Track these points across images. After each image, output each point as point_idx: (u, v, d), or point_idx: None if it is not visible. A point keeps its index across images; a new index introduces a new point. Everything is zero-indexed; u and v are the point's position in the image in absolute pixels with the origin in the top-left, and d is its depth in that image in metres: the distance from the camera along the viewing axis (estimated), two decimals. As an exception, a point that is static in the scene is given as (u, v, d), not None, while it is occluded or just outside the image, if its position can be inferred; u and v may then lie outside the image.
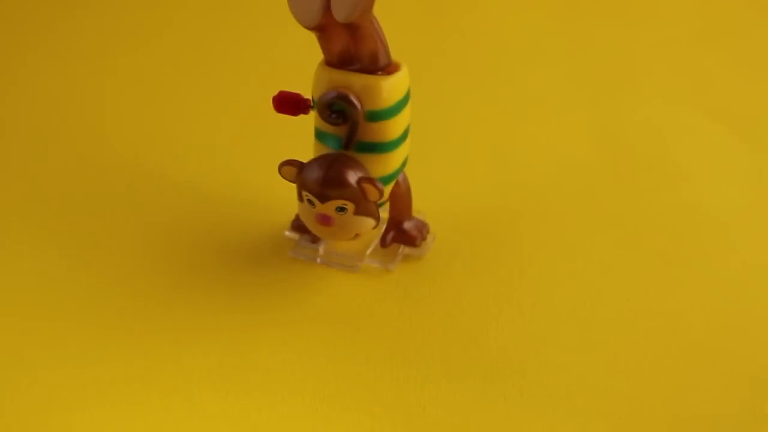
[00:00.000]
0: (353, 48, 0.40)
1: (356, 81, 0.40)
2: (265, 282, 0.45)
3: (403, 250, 0.46)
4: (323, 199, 0.40)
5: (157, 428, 0.37)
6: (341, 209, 0.40)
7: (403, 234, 0.46)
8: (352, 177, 0.40)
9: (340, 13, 0.38)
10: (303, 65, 0.45)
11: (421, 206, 0.47)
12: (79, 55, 0.67)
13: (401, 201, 0.45)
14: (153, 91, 0.62)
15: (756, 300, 0.43)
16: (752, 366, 0.40)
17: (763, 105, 0.60)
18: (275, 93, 0.43)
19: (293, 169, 0.41)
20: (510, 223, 0.49)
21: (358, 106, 0.40)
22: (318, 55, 0.41)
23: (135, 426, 0.37)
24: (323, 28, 0.40)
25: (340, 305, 0.43)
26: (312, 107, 0.42)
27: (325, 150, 0.42)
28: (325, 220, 0.41)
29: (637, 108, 0.60)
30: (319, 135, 0.42)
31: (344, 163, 0.40)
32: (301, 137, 0.45)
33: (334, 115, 0.40)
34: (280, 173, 0.41)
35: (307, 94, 0.42)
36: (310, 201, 0.41)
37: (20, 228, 0.49)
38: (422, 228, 0.46)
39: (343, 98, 0.40)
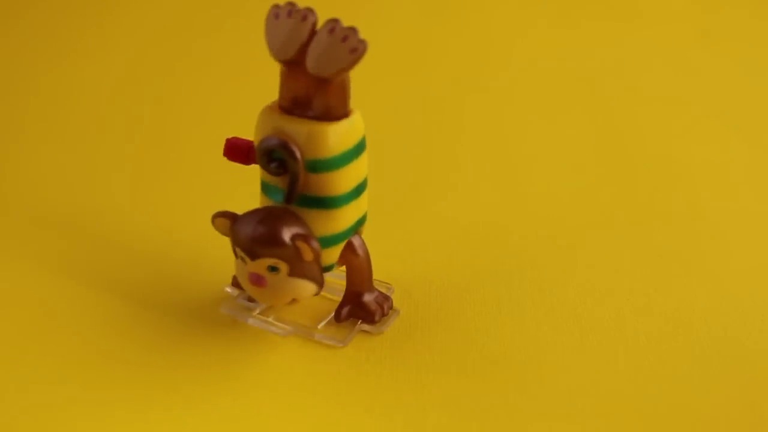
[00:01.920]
0: (312, 94, 0.37)
1: (300, 127, 0.37)
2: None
3: (361, 325, 0.41)
4: (253, 256, 0.37)
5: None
6: (273, 269, 0.37)
7: (361, 308, 0.41)
8: (286, 233, 0.36)
9: (312, 64, 0.36)
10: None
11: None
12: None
13: (359, 271, 0.41)
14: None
15: (756, 300, 0.43)
16: (752, 366, 0.40)
17: (763, 105, 0.60)
18: (225, 139, 0.40)
19: (226, 222, 0.38)
20: (510, 223, 0.49)
21: (298, 154, 0.36)
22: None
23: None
24: (292, 67, 0.37)
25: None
26: None
27: (269, 203, 0.39)
28: (257, 280, 0.37)
29: (637, 108, 0.60)
30: (264, 187, 0.39)
31: (279, 218, 0.37)
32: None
33: (273, 164, 0.37)
34: (213, 225, 0.38)
35: None
36: (243, 257, 0.37)
37: (18, 226, 0.49)
38: (383, 302, 0.42)
39: (282, 145, 0.36)
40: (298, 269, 0.37)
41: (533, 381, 0.39)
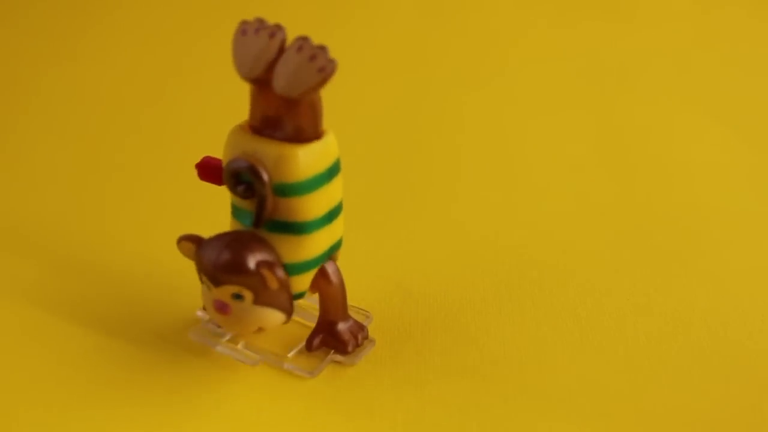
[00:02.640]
0: (282, 114, 0.35)
1: (269, 149, 0.35)
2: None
3: (333, 355, 0.40)
4: (216, 282, 0.35)
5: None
6: (238, 297, 0.35)
7: (334, 338, 0.39)
8: (251, 260, 0.35)
9: (280, 84, 0.34)
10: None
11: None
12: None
13: (332, 299, 0.39)
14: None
15: (756, 300, 0.43)
16: (752, 366, 0.40)
17: (763, 105, 0.60)
18: (198, 159, 0.38)
19: (192, 246, 0.36)
20: (510, 223, 0.49)
21: (265, 177, 0.35)
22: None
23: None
24: (260, 85, 0.35)
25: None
26: None
27: (239, 227, 0.37)
28: (221, 307, 0.36)
29: (637, 108, 0.60)
30: (234, 210, 0.37)
31: (245, 243, 0.35)
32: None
33: (241, 187, 0.35)
34: (178, 248, 0.37)
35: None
36: (207, 284, 0.36)
37: (18, 226, 0.49)
38: (357, 332, 0.40)
39: (249, 168, 0.35)
40: (263, 297, 0.35)
41: (533, 381, 0.39)
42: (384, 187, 0.53)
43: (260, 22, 0.35)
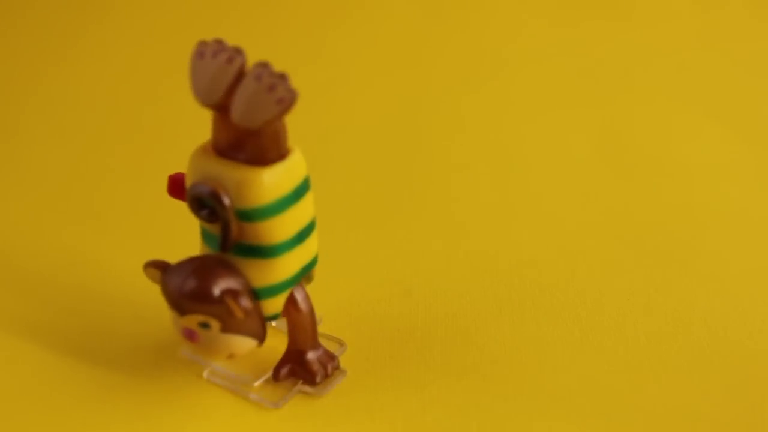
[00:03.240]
0: (245, 139, 0.34)
1: (231, 173, 0.33)
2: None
3: (301, 386, 0.38)
4: (182, 311, 0.34)
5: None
6: (205, 325, 0.34)
7: (302, 367, 0.38)
8: (216, 289, 0.33)
9: (237, 115, 0.33)
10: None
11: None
12: None
13: (301, 327, 0.37)
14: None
15: (756, 300, 0.43)
16: (752, 366, 0.40)
17: (763, 105, 0.60)
18: (169, 175, 0.37)
19: (156, 273, 0.35)
20: (509, 223, 0.49)
21: (227, 202, 0.33)
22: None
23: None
24: (219, 111, 0.34)
25: (341, 300, 0.43)
26: None
27: (208, 251, 0.35)
28: (189, 335, 0.34)
29: (636, 108, 0.60)
30: (203, 233, 0.36)
31: (210, 270, 0.34)
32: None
33: (204, 212, 0.34)
34: (144, 274, 0.35)
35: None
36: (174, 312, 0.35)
37: (18, 225, 0.49)
38: (327, 362, 0.38)
39: (210, 193, 0.33)
40: (231, 326, 0.34)
41: (533, 381, 0.39)
42: (384, 187, 0.53)
43: (219, 44, 0.33)
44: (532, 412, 0.38)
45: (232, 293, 0.33)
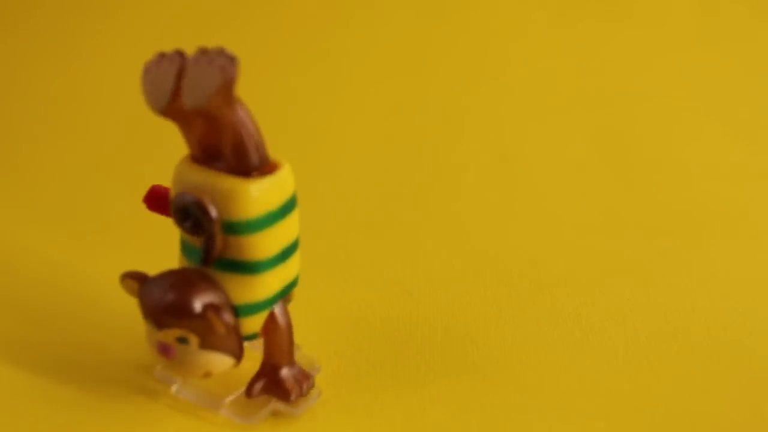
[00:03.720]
0: (215, 141, 0.33)
1: (218, 182, 0.33)
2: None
3: (275, 404, 0.36)
4: (160, 325, 0.33)
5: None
6: (182, 340, 0.33)
7: (276, 384, 0.36)
8: (197, 303, 0.32)
9: (187, 99, 0.32)
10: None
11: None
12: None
13: (277, 343, 0.36)
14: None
15: (756, 300, 0.43)
16: (752, 366, 0.40)
17: (763, 105, 0.60)
18: (149, 188, 0.36)
19: (134, 284, 0.34)
20: (509, 223, 0.49)
21: (213, 214, 0.33)
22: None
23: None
24: (176, 115, 0.33)
25: (342, 300, 0.43)
26: None
27: (187, 264, 0.35)
28: (164, 350, 0.33)
29: (637, 108, 0.60)
30: (183, 246, 0.35)
31: (191, 284, 0.33)
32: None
33: (188, 223, 0.33)
34: (121, 285, 0.34)
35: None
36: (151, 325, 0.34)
37: (17, 224, 0.49)
38: (303, 380, 0.37)
39: (196, 204, 0.33)
40: (210, 342, 0.33)
41: (533, 381, 0.39)
42: (384, 188, 0.53)
43: (160, 56, 0.33)
44: (532, 412, 0.38)
45: (214, 308, 0.33)
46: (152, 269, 0.44)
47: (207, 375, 0.34)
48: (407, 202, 0.52)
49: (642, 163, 0.54)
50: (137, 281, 0.34)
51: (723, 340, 0.41)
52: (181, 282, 0.33)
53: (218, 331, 0.33)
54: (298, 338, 0.36)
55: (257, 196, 0.33)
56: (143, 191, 0.52)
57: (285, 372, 0.36)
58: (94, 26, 0.72)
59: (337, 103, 0.61)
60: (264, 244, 0.33)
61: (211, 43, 0.72)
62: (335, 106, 0.61)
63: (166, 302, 0.33)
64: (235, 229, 0.33)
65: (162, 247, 0.45)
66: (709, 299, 0.43)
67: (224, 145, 0.33)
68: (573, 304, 0.43)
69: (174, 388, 0.37)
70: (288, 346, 0.36)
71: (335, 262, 0.46)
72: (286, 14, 0.73)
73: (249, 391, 0.36)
